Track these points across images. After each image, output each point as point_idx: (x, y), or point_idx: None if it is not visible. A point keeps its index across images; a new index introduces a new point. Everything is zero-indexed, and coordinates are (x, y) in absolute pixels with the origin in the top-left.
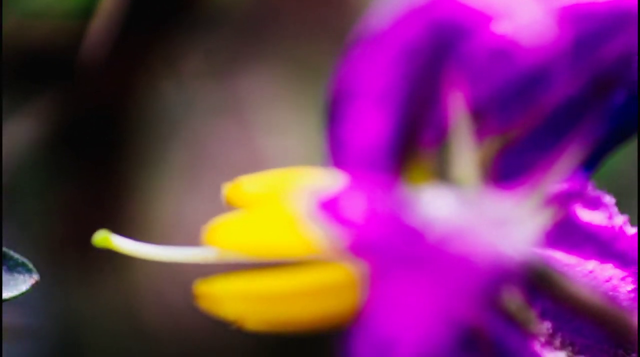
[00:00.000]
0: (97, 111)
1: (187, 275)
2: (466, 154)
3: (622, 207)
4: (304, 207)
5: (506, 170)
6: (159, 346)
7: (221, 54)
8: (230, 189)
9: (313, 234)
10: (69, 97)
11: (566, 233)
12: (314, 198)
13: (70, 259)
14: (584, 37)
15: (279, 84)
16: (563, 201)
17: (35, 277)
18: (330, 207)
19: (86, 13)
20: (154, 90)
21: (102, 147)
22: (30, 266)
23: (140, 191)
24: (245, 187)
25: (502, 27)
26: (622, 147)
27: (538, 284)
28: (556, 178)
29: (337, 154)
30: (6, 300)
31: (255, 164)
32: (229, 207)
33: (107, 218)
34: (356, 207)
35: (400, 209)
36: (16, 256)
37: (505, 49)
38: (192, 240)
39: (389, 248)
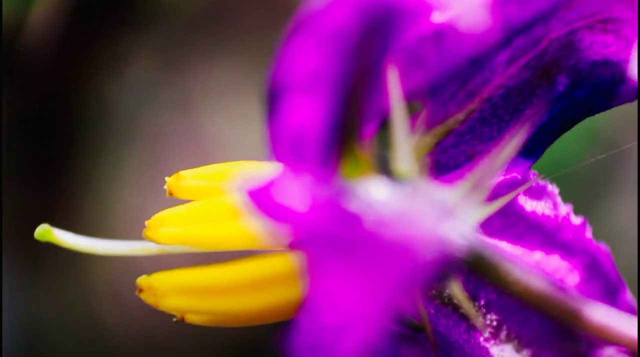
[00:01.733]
0: (43, 106)
1: (141, 271)
2: (404, 144)
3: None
4: (242, 199)
5: (446, 161)
6: (115, 344)
7: (173, 47)
8: (171, 182)
9: (252, 226)
10: (13, 92)
11: (510, 223)
12: (253, 190)
13: (21, 257)
14: (517, 23)
15: (232, 77)
16: (505, 190)
17: None
18: (268, 198)
19: (27, 3)
20: (103, 85)
21: (50, 143)
22: None
23: (91, 188)
24: (187, 179)
25: (437, 15)
26: (563, 135)
27: (480, 272)
28: (498, 167)
29: (275, 146)
30: None
31: (206, 158)
32: (170, 199)
33: (57, 215)
34: (294, 198)
35: (338, 198)
36: None
37: (440, 36)
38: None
39: (327, 236)
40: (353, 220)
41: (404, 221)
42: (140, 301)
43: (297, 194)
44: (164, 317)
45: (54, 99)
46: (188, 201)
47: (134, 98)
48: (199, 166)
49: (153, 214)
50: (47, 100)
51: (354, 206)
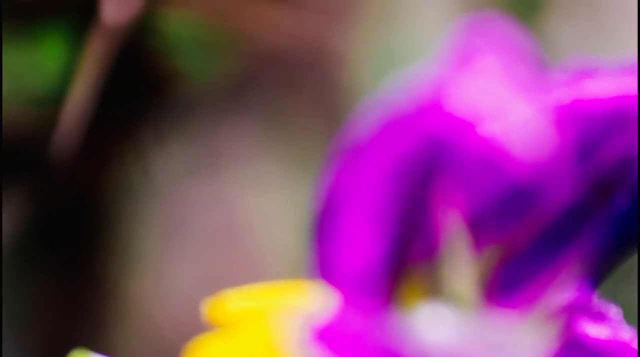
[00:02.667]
0: (69, 202)
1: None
2: (462, 268)
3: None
4: (291, 332)
5: (505, 284)
6: None
7: (202, 128)
8: (212, 306)
9: None
10: (39, 190)
11: (572, 351)
12: (303, 323)
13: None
14: (584, 139)
15: (257, 142)
16: (567, 315)
17: None
18: (319, 334)
19: (54, 100)
20: (127, 179)
21: (75, 239)
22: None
23: (118, 280)
24: (227, 303)
25: (494, 134)
26: (627, 257)
27: None
28: (559, 291)
29: (325, 271)
30: None
31: (232, 227)
32: (230, 261)
33: (86, 313)
34: (347, 337)
35: (394, 338)
36: None
37: (499, 158)
38: (176, 315)
39: None
40: None
41: None
42: None
43: (353, 333)
44: None
45: (82, 193)
46: (221, 327)
47: (159, 173)
48: (225, 236)
49: (184, 292)
50: (75, 196)
51: (410, 347)
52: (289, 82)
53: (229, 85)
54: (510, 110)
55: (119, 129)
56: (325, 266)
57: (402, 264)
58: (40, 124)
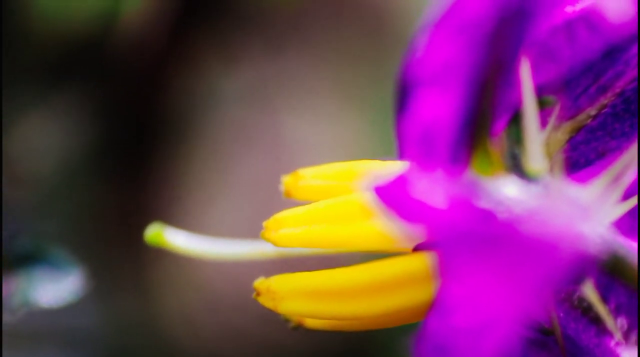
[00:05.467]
0: (133, 105)
1: (213, 292)
2: (536, 140)
3: None
4: (372, 197)
5: (577, 158)
6: (209, 349)
7: (259, 45)
8: (289, 181)
9: (383, 225)
10: (103, 88)
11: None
12: (383, 187)
13: (116, 261)
14: None
15: (315, 76)
16: (637, 189)
17: (79, 278)
18: (400, 196)
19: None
20: (189, 83)
21: (139, 142)
22: (74, 265)
23: (179, 188)
24: (306, 179)
25: (571, 5)
26: None
27: (616, 273)
28: (630, 165)
29: (404, 142)
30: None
31: (287, 159)
32: (287, 199)
33: (148, 216)
34: (427, 195)
35: (471, 194)
36: (59, 254)
37: (574, 28)
38: (231, 237)
39: (462, 235)
40: (488, 218)
41: (539, 220)
42: (211, 323)
43: (430, 191)
44: (235, 341)
45: (146, 97)
46: (301, 201)
47: (216, 95)
48: (279, 168)
49: (236, 216)
50: (140, 99)
51: (487, 204)
52: (342, 14)
53: (288, 16)
54: None
55: (185, 45)
56: (402, 137)
57: (477, 134)
58: (107, 28)
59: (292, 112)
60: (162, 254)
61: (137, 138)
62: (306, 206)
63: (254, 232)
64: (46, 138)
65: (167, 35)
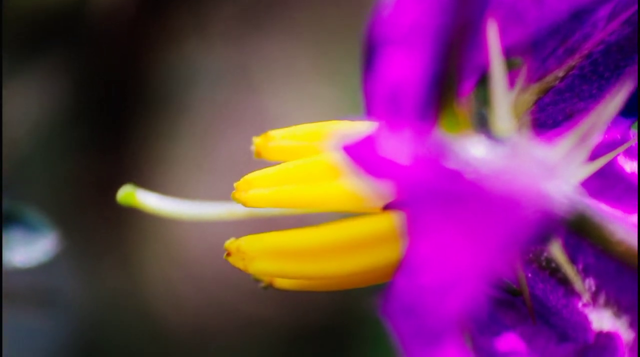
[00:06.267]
0: (110, 73)
1: (194, 261)
2: (503, 101)
3: None
4: (340, 157)
5: (545, 119)
6: (168, 336)
7: (244, 20)
8: (259, 142)
9: (351, 184)
10: (81, 56)
11: (609, 184)
12: (351, 146)
13: (93, 225)
14: None
15: (294, 52)
16: (605, 150)
17: (55, 237)
18: (368, 154)
19: None
20: (168, 56)
21: (116, 110)
22: (49, 226)
23: (156, 159)
24: (276, 139)
25: None
26: None
27: (583, 232)
28: (597, 127)
29: (372, 102)
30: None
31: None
32: (258, 160)
33: (123, 183)
34: (394, 153)
35: (438, 154)
36: (34, 216)
37: None
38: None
39: (429, 193)
40: (455, 177)
41: (505, 179)
42: (191, 288)
43: (398, 149)
44: (217, 307)
45: (124, 67)
46: (271, 162)
47: (197, 69)
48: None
49: (211, 192)
50: (118, 69)
51: (454, 163)
52: None
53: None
54: None
55: (162, 17)
56: (370, 97)
57: (444, 94)
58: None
59: (272, 88)
60: (141, 222)
61: (115, 107)
62: (276, 167)
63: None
64: (23, 106)
65: (143, 6)
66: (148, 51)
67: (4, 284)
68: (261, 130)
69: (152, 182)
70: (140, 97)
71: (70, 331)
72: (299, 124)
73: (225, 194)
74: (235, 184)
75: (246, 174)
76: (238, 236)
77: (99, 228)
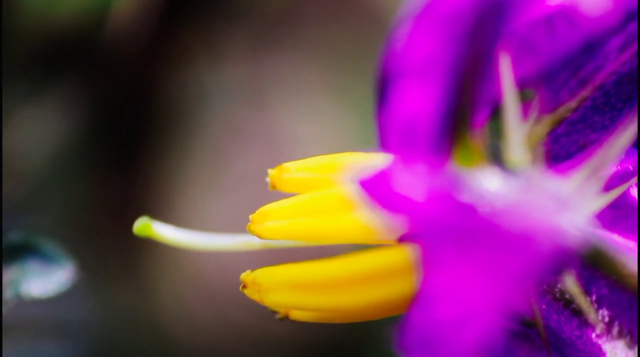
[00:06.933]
0: (124, 97)
1: (206, 280)
2: (517, 133)
3: None
4: (354, 190)
5: (558, 151)
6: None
7: (257, 42)
8: (274, 174)
9: (366, 218)
10: (95, 80)
11: (622, 215)
12: (365, 180)
13: (109, 253)
14: (632, 6)
15: (306, 71)
16: (618, 181)
17: (70, 269)
18: (382, 188)
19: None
20: (180, 78)
21: (129, 135)
22: (65, 257)
23: (170, 181)
24: (291, 171)
25: None
26: None
27: (596, 265)
28: (610, 158)
29: (386, 134)
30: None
31: (279, 155)
32: (273, 192)
33: (139, 209)
34: (408, 188)
35: (452, 188)
36: (50, 247)
37: (553, 21)
38: (222, 230)
39: (443, 227)
40: (468, 211)
41: (519, 213)
42: (205, 310)
43: (412, 184)
44: (230, 327)
45: (138, 89)
46: (286, 194)
47: (211, 91)
48: (271, 163)
49: (224, 212)
50: (132, 91)
51: (468, 197)
52: (333, 9)
53: (279, 11)
54: None
55: (175, 39)
56: (384, 129)
57: (458, 126)
58: (96, 22)
59: (284, 107)
60: (155, 247)
61: (128, 131)
62: (291, 199)
63: (245, 226)
64: (37, 132)
65: (156, 29)
66: (161, 72)
67: (21, 316)
68: (273, 148)
69: (166, 201)
70: (153, 118)
71: (84, 354)
72: (311, 146)
73: (237, 212)
74: (250, 216)
75: (258, 191)
76: (252, 258)
77: (113, 251)
